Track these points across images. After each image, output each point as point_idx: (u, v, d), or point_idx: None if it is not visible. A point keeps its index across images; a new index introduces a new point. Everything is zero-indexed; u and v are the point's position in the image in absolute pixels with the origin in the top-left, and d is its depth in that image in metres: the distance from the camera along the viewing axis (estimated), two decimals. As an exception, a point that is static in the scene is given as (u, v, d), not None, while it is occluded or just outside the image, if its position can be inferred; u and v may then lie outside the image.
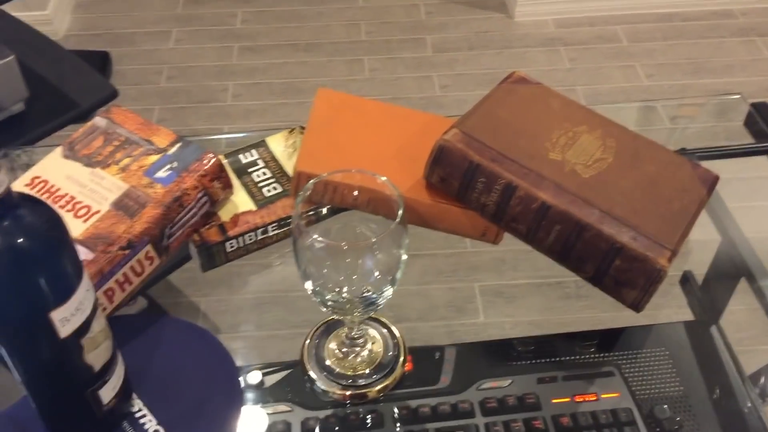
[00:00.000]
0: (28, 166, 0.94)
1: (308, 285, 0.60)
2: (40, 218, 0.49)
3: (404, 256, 0.59)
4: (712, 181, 0.73)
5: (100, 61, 2.22)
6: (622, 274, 0.65)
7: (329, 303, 0.61)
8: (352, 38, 2.40)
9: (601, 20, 2.45)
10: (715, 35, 2.39)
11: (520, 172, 0.69)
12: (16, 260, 0.48)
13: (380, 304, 0.61)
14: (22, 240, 0.48)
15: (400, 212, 0.57)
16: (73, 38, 2.40)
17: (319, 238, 0.56)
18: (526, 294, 0.86)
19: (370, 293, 0.60)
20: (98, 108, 1.35)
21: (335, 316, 0.67)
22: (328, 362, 0.68)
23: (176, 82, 2.25)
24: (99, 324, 0.55)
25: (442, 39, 2.40)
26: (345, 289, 0.61)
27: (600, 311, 0.74)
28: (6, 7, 1.53)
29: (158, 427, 0.63)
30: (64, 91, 1.35)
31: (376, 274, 0.60)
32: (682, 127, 1.08)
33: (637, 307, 0.67)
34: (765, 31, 2.40)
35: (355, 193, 0.66)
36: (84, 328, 0.54)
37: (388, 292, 0.60)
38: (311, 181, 0.61)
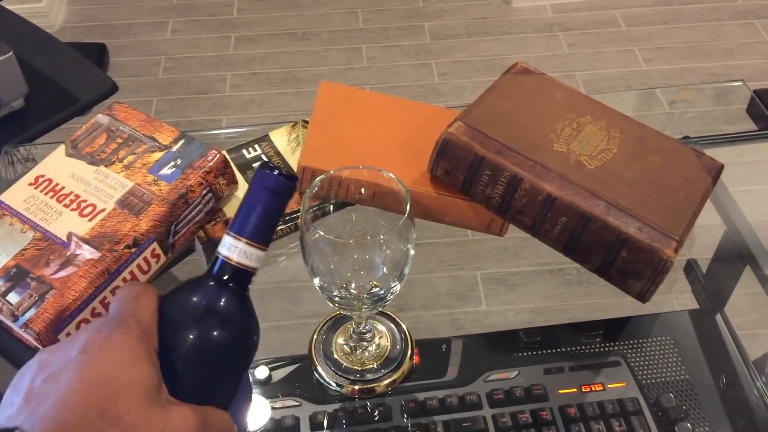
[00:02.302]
0: (28, 162, 0.94)
1: (316, 281, 0.60)
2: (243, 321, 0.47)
3: (412, 251, 0.59)
4: (716, 170, 0.73)
5: (97, 54, 2.21)
6: (629, 265, 0.65)
7: (337, 299, 0.61)
8: (349, 26, 2.39)
9: (599, 5, 2.44)
10: (714, 18, 2.38)
11: (525, 164, 0.69)
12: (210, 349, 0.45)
13: (388, 300, 0.61)
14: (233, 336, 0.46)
15: (408, 207, 0.57)
16: (69, 30, 2.39)
17: (328, 235, 0.56)
18: (527, 281, 0.86)
19: (378, 289, 0.61)
20: (98, 102, 1.34)
21: (343, 312, 0.67)
22: (335, 357, 0.69)
23: (174, 73, 2.24)
24: None
25: (439, 26, 2.39)
26: (353, 285, 0.61)
27: (602, 297, 0.75)
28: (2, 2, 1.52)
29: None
30: (64, 85, 1.35)
31: (384, 269, 0.60)
32: (681, 111, 1.08)
33: (643, 297, 0.67)
34: (764, 13, 2.39)
35: (362, 188, 0.66)
36: None
37: (396, 287, 0.60)
38: (318, 177, 0.61)
